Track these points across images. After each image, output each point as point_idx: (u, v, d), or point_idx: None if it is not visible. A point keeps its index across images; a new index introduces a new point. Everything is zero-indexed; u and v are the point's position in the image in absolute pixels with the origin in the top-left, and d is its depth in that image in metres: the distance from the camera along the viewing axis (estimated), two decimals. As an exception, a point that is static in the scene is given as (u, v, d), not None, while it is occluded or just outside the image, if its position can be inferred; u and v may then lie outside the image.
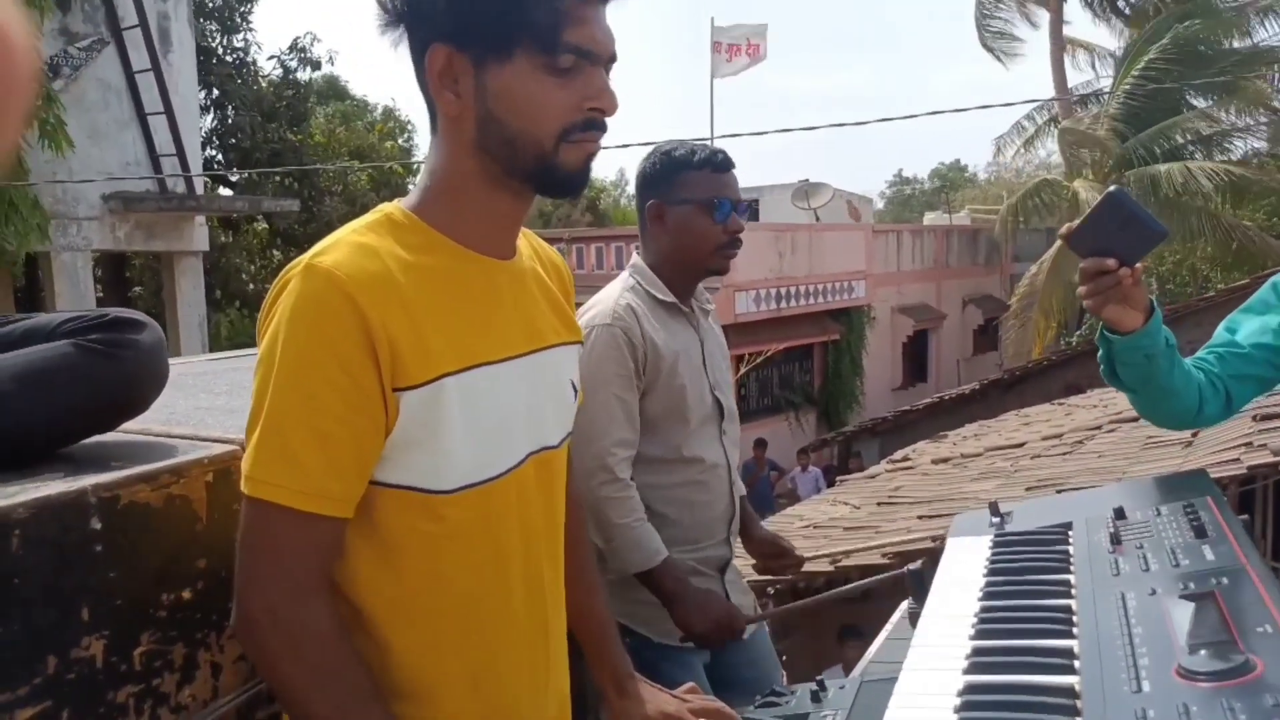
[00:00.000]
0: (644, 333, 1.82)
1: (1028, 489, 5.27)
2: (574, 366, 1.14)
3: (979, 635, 0.93)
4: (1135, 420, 6.41)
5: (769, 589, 4.86)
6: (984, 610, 0.98)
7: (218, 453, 1.07)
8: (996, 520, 1.29)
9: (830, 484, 10.00)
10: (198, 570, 1.05)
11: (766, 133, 23.05)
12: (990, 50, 18.49)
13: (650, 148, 1.96)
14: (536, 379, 1.05)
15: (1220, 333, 1.50)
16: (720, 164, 1.90)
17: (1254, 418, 4.72)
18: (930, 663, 0.90)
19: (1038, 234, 19.78)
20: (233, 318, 13.80)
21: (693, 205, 1.87)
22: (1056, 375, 12.07)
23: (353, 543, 0.96)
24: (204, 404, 1.42)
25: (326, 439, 0.90)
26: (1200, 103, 15.60)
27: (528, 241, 1.12)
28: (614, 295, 1.88)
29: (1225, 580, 0.88)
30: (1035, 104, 17.74)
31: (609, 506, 1.77)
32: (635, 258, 1.97)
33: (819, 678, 1.34)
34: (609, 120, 0.99)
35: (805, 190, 16.40)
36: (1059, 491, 4.89)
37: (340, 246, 0.94)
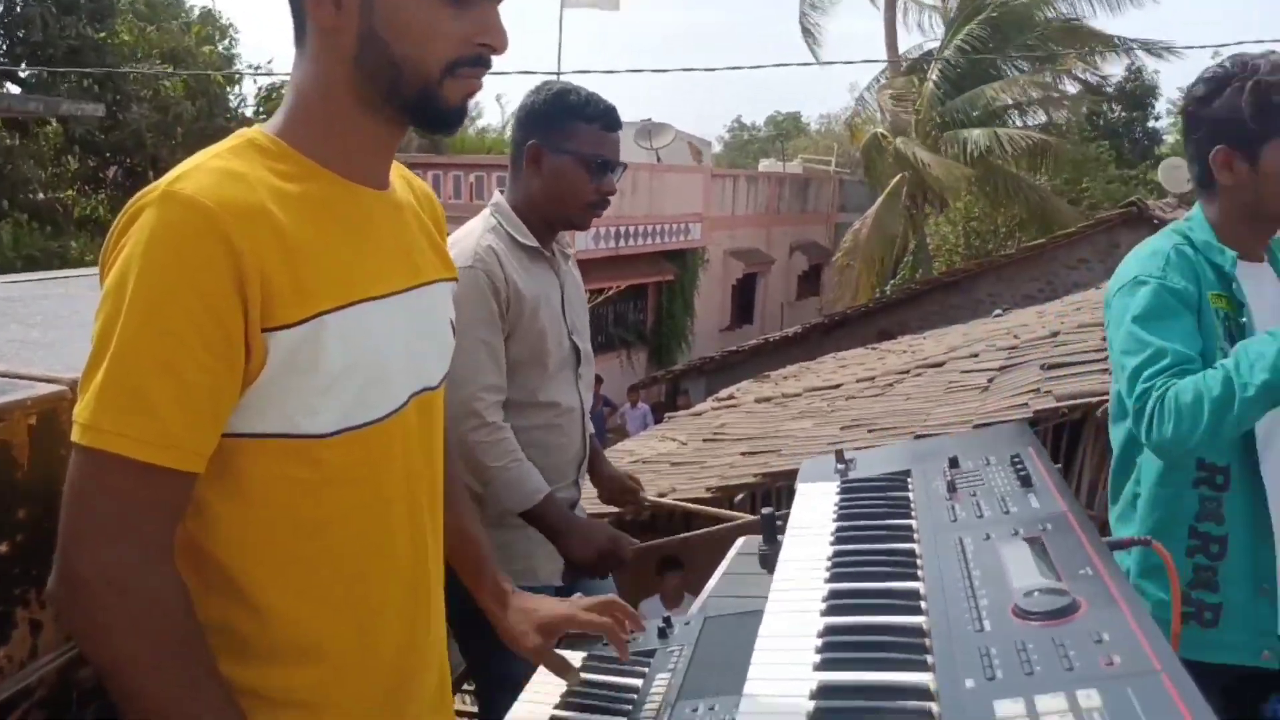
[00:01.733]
0: (506, 275, 1.79)
1: (842, 428, 5.60)
2: (450, 304, 1.10)
3: (834, 579, 1.00)
4: (939, 366, 6.91)
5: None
6: (837, 555, 1.05)
7: (42, 393, 0.98)
8: (841, 467, 1.37)
9: (658, 420, 10.27)
10: (17, 521, 0.97)
11: (618, 71, 22.74)
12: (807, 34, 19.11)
13: (540, 81, 1.91)
14: (417, 316, 1.01)
15: (1145, 350, 1.45)
16: (612, 123, 1.87)
17: (1042, 366, 5.18)
18: (791, 605, 0.95)
19: (863, 186, 20.77)
20: (18, 226, 12.41)
21: (574, 159, 1.83)
22: (872, 322, 12.84)
23: (213, 501, 0.89)
24: (18, 336, 1.28)
25: (184, 385, 0.82)
26: (1015, 71, 16.79)
27: (398, 172, 1.06)
28: (475, 235, 1.82)
29: (1049, 526, 0.97)
30: (873, 63, 18.59)
31: (482, 451, 1.74)
32: (497, 195, 1.91)
33: (667, 615, 1.39)
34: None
35: (649, 129, 16.40)
36: (870, 431, 5.24)
37: (202, 172, 0.86)
